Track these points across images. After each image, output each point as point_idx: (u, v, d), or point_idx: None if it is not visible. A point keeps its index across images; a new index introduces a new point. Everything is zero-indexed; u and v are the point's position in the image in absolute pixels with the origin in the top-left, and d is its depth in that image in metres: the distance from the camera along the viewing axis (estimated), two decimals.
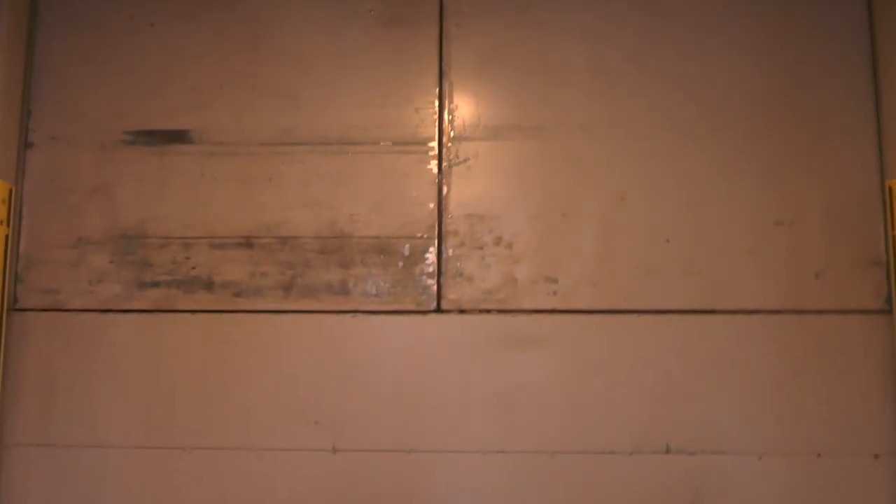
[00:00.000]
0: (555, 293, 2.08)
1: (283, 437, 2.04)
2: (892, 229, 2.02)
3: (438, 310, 2.08)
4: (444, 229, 2.11)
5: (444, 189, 2.12)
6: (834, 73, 2.15)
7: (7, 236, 2.08)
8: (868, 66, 2.15)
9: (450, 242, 2.10)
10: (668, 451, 2.02)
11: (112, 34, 2.22)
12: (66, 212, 2.14)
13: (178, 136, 2.16)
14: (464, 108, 2.16)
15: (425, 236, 2.10)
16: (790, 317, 2.07)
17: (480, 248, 2.10)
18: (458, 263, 2.09)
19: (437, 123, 2.15)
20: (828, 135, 2.13)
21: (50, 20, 2.23)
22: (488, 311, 2.08)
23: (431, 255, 2.10)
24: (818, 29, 2.16)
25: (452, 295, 2.08)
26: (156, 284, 2.10)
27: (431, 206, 2.12)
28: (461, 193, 2.12)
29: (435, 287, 2.09)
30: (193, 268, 2.11)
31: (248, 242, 2.11)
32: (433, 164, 2.13)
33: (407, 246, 2.10)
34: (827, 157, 2.13)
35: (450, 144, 2.14)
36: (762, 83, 2.15)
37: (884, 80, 2.11)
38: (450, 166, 2.13)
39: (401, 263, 2.10)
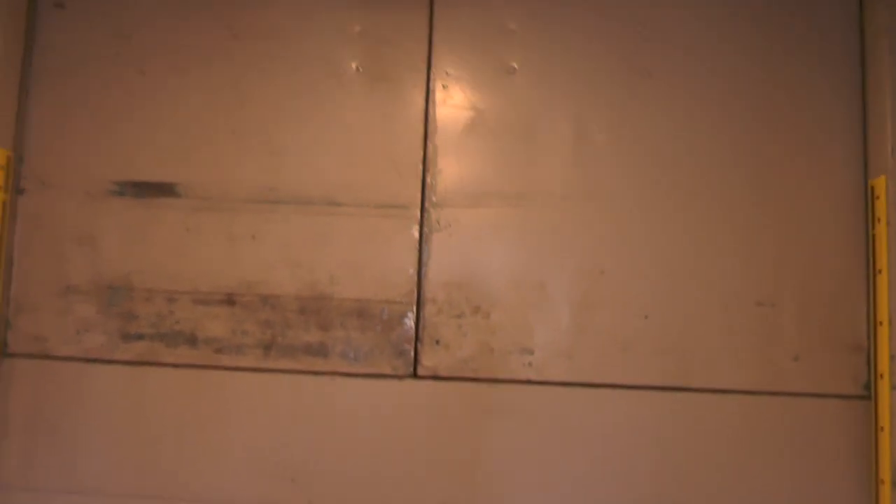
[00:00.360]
0: (530, 364, 2.10)
1: (259, 492, 2.10)
2: (872, 229, 2.04)
3: (414, 375, 2.11)
4: (423, 296, 2.12)
5: (425, 255, 2.12)
6: (818, 153, 2.12)
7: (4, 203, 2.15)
8: (858, 140, 2.11)
9: (428, 309, 2.12)
10: None
11: (104, 81, 2.23)
12: (55, 259, 2.19)
13: (164, 189, 2.18)
14: (447, 173, 2.15)
15: (404, 302, 2.12)
16: (766, 398, 2.07)
17: (458, 316, 2.11)
18: (436, 330, 2.11)
19: (419, 188, 2.14)
20: (811, 217, 2.10)
21: (43, 67, 2.25)
22: (463, 379, 2.10)
23: (410, 321, 2.12)
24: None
25: (429, 362, 2.11)
26: (140, 337, 2.15)
27: (411, 271, 2.12)
28: (441, 260, 2.12)
29: (412, 353, 2.11)
30: (177, 322, 2.15)
31: (230, 300, 2.14)
32: (414, 229, 2.13)
33: (386, 310, 2.12)
34: (811, 240, 2.10)
35: (431, 210, 2.13)
36: (746, 158, 2.12)
37: (871, 163, 2.08)
38: (430, 232, 2.13)
39: (379, 327, 2.12)
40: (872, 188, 2.05)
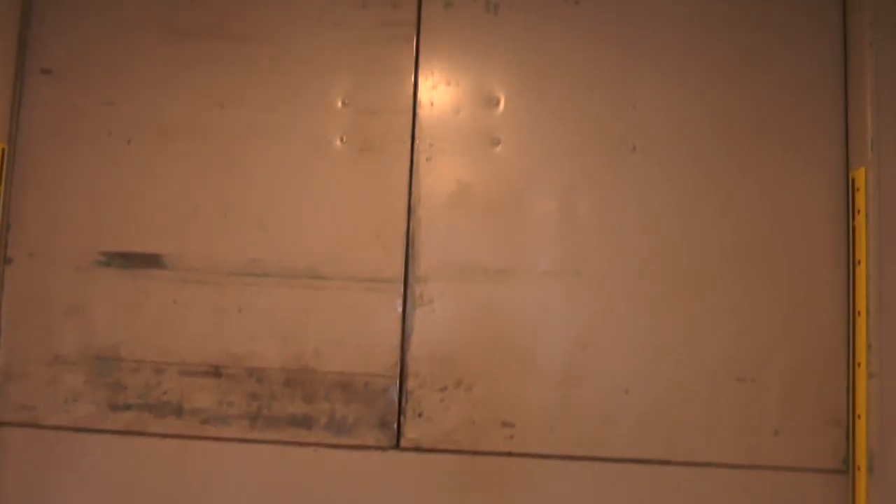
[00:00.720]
0: (511, 437, 2.12)
1: None
2: (853, 220, 2.08)
3: (398, 447, 2.13)
4: (406, 369, 2.14)
5: (408, 329, 2.14)
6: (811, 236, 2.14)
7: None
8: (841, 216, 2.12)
9: (411, 382, 2.14)
10: None
11: (91, 150, 2.24)
12: (44, 329, 2.21)
13: (151, 261, 2.20)
14: (431, 247, 2.16)
15: (388, 375, 2.14)
16: (746, 472, 2.09)
17: (441, 389, 2.13)
18: (419, 403, 2.13)
19: (403, 262, 2.16)
20: (795, 294, 2.12)
21: (30, 133, 2.26)
22: (446, 451, 2.13)
23: (393, 394, 2.14)
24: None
25: (412, 434, 2.13)
26: (128, 407, 2.18)
27: (395, 345, 2.14)
28: (424, 334, 2.14)
29: (395, 425, 2.13)
30: (164, 393, 2.17)
31: (216, 371, 2.17)
32: (398, 304, 2.15)
33: (370, 383, 2.14)
34: (794, 313, 2.12)
35: (415, 284, 2.15)
36: (728, 234, 2.14)
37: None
38: (414, 307, 2.15)
39: (363, 400, 2.14)
40: (853, 180, 2.09)
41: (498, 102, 2.20)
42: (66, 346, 2.20)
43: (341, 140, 2.20)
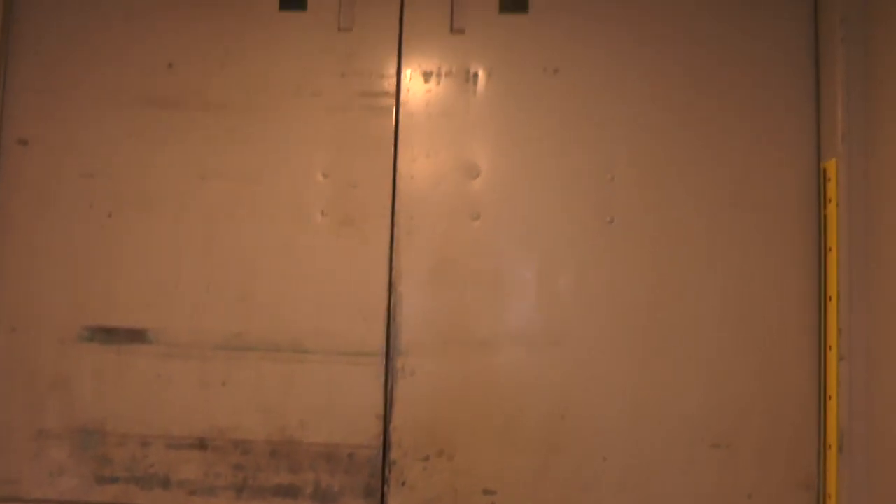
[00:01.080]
0: None
1: None
2: (824, 209, 2.17)
3: None
4: (389, 439, 2.18)
5: (390, 401, 2.18)
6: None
7: None
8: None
9: (394, 452, 2.18)
10: None
11: (71, 223, 2.24)
12: (27, 404, 2.22)
13: (135, 336, 2.22)
14: (411, 320, 2.19)
15: (371, 445, 2.18)
16: None
17: (423, 458, 2.18)
18: (402, 473, 2.18)
19: (384, 335, 2.19)
20: (772, 358, 2.18)
21: (9, 207, 2.26)
22: None
23: (377, 464, 2.18)
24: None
25: (396, 502, 2.18)
26: (114, 480, 2.20)
27: (378, 415, 2.18)
28: (406, 405, 2.18)
29: (379, 494, 2.18)
30: (151, 465, 2.20)
31: (202, 444, 2.20)
32: (380, 376, 2.18)
33: (354, 454, 2.18)
34: (768, 381, 2.17)
35: (397, 357, 2.19)
36: (703, 299, 2.19)
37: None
38: (396, 379, 2.18)
39: (347, 470, 2.18)
40: (825, 170, 2.17)
41: (478, 174, 2.23)
42: (50, 420, 2.22)
43: (322, 213, 2.22)
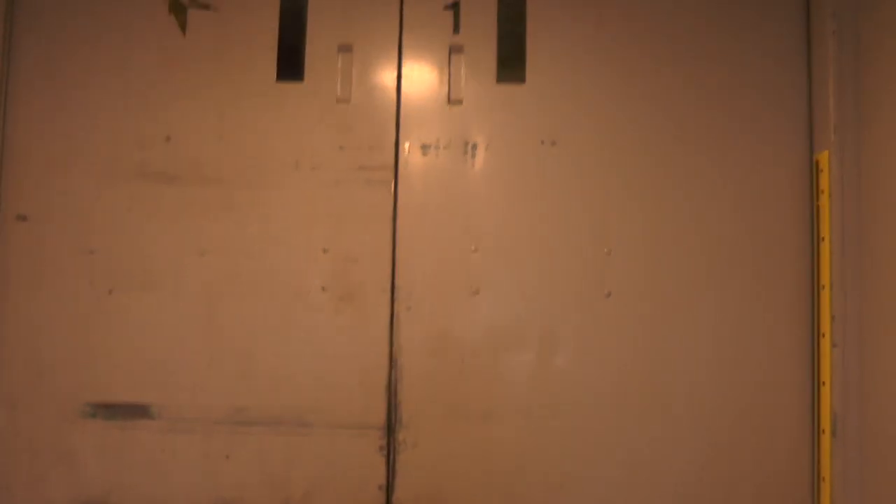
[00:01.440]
0: None
1: None
2: (817, 200, 2.23)
3: None
4: None
5: (393, 472, 2.21)
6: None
7: None
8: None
9: None
10: None
11: (72, 298, 2.25)
12: (30, 480, 2.23)
13: (138, 411, 2.23)
14: (412, 394, 2.22)
15: None
16: None
17: None
18: None
19: (386, 409, 2.22)
20: (757, 439, 2.22)
21: (10, 283, 2.26)
22: None
23: None
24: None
25: None
26: None
27: (381, 486, 2.22)
28: (408, 477, 2.21)
29: None
30: None
31: None
32: (382, 449, 2.21)
33: None
34: (758, 448, 2.22)
35: (399, 430, 2.22)
36: (694, 368, 2.24)
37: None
38: (398, 451, 2.21)
39: None
40: (817, 162, 2.23)
41: (476, 248, 2.24)
42: (54, 495, 2.23)
43: (322, 288, 2.24)
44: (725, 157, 2.27)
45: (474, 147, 2.27)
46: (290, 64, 2.30)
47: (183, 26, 2.31)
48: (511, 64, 2.28)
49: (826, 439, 2.12)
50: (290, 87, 2.29)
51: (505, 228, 2.25)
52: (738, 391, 2.22)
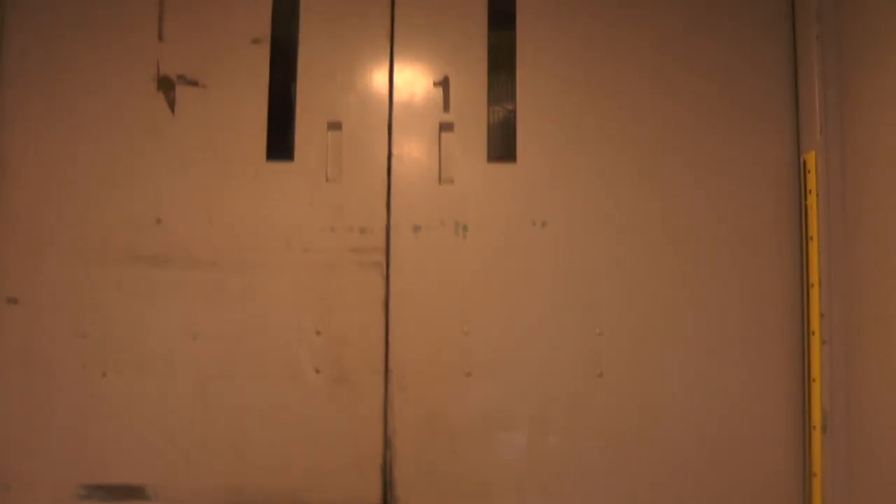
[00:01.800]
0: None
1: None
2: (805, 200, 2.28)
3: None
4: None
5: None
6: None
7: None
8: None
9: None
10: None
11: (66, 384, 2.25)
12: None
13: (133, 492, 2.25)
14: (407, 473, 2.25)
15: None
16: None
17: None
18: None
19: (382, 488, 2.25)
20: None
21: (5, 370, 2.26)
22: None
23: None
24: None
25: None
26: None
27: None
28: None
29: None
30: None
31: None
32: None
33: None
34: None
35: None
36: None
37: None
38: None
39: None
40: (804, 162, 2.28)
41: (469, 330, 2.26)
42: None
43: (316, 371, 2.25)
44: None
45: (465, 228, 2.28)
46: (280, 142, 2.29)
47: (171, 104, 2.30)
48: (502, 142, 2.29)
49: (817, 435, 2.16)
50: (279, 167, 2.28)
51: (496, 310, 2.27)
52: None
